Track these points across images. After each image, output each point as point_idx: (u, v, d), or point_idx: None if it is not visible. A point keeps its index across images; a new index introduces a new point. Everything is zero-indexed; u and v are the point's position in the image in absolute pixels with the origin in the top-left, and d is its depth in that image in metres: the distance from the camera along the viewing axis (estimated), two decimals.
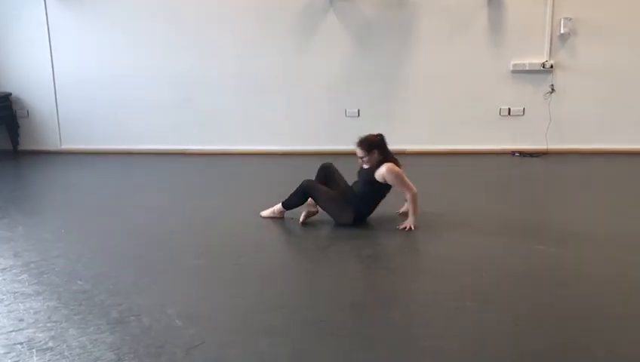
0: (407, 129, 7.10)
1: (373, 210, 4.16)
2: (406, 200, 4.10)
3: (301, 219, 4.16)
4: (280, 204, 4.27)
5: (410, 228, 3.93)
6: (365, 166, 4.12)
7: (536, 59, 6.99)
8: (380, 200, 4.15)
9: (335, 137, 7.16)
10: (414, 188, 3.99)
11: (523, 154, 7.01)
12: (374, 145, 4.07)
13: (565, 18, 6.79)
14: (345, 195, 4.13)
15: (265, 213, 4.34)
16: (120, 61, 7.41)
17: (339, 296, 2.89)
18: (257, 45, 7.23)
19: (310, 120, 7.32)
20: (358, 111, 7.23)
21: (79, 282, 3.09)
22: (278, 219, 4.29)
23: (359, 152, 4.09)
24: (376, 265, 3.38)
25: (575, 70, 7.00)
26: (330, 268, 3.33)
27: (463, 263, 3.38)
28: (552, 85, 7.02)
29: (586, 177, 5.92)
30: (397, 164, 4.07)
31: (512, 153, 7.08)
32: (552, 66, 6.95)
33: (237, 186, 5.70)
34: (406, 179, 4.01)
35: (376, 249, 3.64)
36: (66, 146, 7.65)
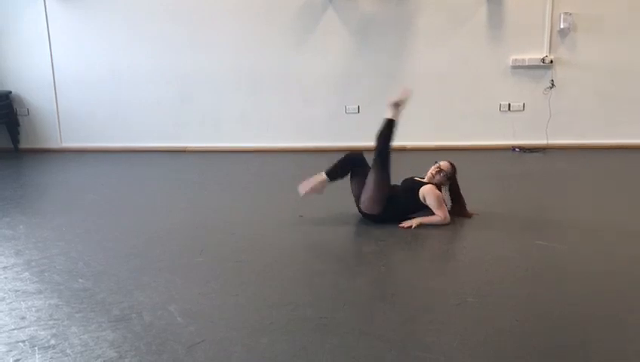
0: (407, 125, 7.02)
1: (396, 218, 4.08)
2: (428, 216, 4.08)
3: (305, 190, 4.14)
4: (323, 172, 4.17)
5: (411, 226, 3.94)
6: (424, 178, 4.22)
7: (535, 55, 6.99)
8: (406, 215, 4.11)
9: (335, 134, 7.17)
10: (448, 217, 4.03)
11: (523, 149, 7.01)
12: (451, 177, 4.22)
13: (565, 13, 6.79)
14: (393, 189, 4.12)
15: (304, 187, 4.17)
16: (120, 59, 7.42)
17: (340, 293, 2.90)
18: (257, 42, 7.24)
19: (310, 116, 7.33)
20: (358, 107, 7.23)
21: (80, 280, 3.10)
22: (316, 193, 4.18)
23: (445, 168, 4.20)
24: (377, 262, 3.39)
25: (575, 65, 7.00)
26: (331, 265, 3.34)
27: (464, 259, 3.39)
28: (552, 80, 7.02)
29: (586, 172, 5.92)
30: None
31: (513, 148, 7.08)
32: (551, 61, 6.95)
33: (237, 184, 5.70)
34: (443, 204, 4.06)
35: (378, 245, 3.64)
36: (66, 144, 7.67)
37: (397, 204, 4.07)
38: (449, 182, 4.22)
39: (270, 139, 7.44)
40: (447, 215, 4.03)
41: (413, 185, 4.16)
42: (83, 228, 4.11)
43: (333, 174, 4.18)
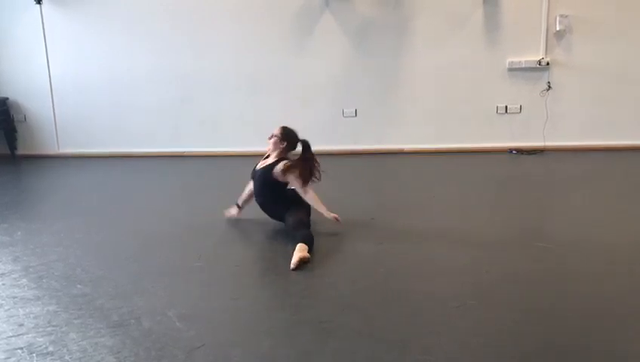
0: (404, 128, 7.11)
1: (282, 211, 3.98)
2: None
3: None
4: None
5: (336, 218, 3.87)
6: (269, 150, 4.19)
7: (532, 57, 6.99)
8: (286, 206, 3.98)
9: (333, 137, 7.16)
10: (309, 191, 3.92)
11: (520, 151, 7.02)
12: (287, 138, 4.10)
13: (561, 15, 6.80)
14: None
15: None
16: (117, 64, 7.41)
17: (340, 296, 2.89)
18: (255, 46, 7.24)
19: (308, 120, 7.29)
20: (356, 111, 7.23)
21: (79, 286, 3.09)
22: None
23: (276, 133, 4.14)
24: (376, 266, 3.38)
25: (571, 67, 7.01)
26: (330, 268, 3.33)
27: (463, 262, 3.38)
28: (549, 82, 7.03)
29: (583, 174, 5.93)
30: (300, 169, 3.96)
31: (510, 151, 7.08)
32: (548, 63, 6.96)
33: (236, 188, 5.68)
34: (297, 177, 3.91)
35: (378, 249, 3.63)
36: (64, 150, 7.65)
37: (270, 205, 4.06)
38: (288, 148, 4.11)
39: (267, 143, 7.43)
40: (306, 187, 3.91)
41: (263, 175, 4.05)
42: (81, 233, 4.09)
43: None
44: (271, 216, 4.12)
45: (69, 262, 3.46)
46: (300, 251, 3.35)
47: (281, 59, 7.24)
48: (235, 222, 4.31)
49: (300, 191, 3.95)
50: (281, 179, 3.98)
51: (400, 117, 7.14)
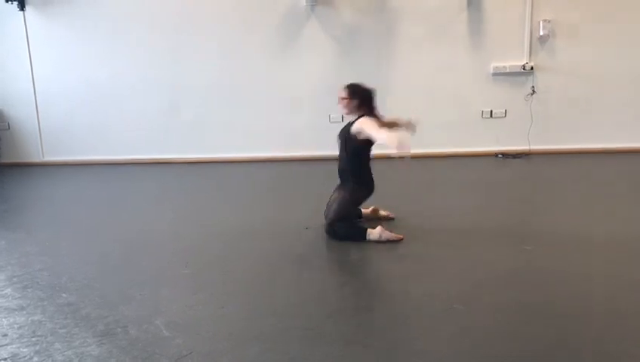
0: (390, 132, 7.12)
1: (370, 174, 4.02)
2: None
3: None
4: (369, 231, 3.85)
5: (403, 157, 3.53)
6: (342, 111, 4.10)
7: (516, 62, 7.07)
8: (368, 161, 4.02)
9: (320, 143, 7.16)
10: (393, 137, 3.52)
11: (506, 155, 7.08)
12: (357, 94, 4.02)
13: (544, 20, 6.90)
14: (342, 185, 4.04)
15: (391, 237, 3.82)
16: (101, 71, 7.38)
17: (327, 302, 2.89)
18: (240, 53, 7.24)
19: (294, 126, 7.33)
20: (342, 116, 7.22)
21: (64, 295, 3.06)
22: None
23: (342, 93, 4.06)
24: (363, 270, 3.38)
25: (555, 71, 7.09)
26: (317, 274, 3.33)
27: (450, 266, 3.39)
28: (533, 87, 7.11)
29: (568, 177, 5.99)
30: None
31: (496, 155, 7.14)
32: (532, 68, 7.04)
33: (223, 194, 5.68)
34: (378, 128, 3.70)
35: (364, 253, 3.64)
36: (48, 158, 7.59)
37: (355, 168, 3.99)
38: (361, 102, 4.03)
39: (254, 149, 7.43)
40: (390, 134, 3.62)
41: (344, 135, 4.03)
42: (66, 242, 4.06)
43: (361, 234, 3.86)
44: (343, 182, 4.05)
45: (54, 271, 3.43)
46: (379, 237, 3.73)
47: (267, 65, 7.25)
48: (221, 229, 4.29)
49: (375, 136, 3.68)
50: (359, 136, 3.85)
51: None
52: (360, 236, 3.82)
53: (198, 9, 7.19)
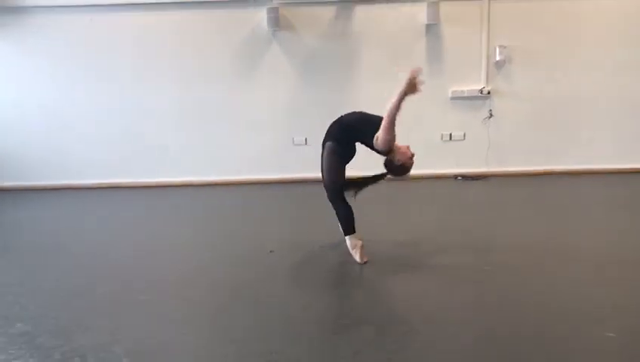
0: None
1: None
2: None
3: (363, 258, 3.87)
4: (349, 237, 3.92)
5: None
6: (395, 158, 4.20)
7: (474, 86, 7.26)
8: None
9: (284, 166, 7.18)
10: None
11: (465, 177, 7.21)
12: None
13: (500, 46, 7.12)
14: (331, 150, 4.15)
15: (357, 256, 3.87)
16: (59, 95, 7.27)
17: (290, 326, 2.86)
18: (201, 76, 7.24)
19: (258, 149, 7.33)
20: (306, 139, 7.28)
21: (18, 324, 2.95)
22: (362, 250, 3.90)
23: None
24: (326, 292, 3.37)
25: (511, 95, 7.31)
26: (280, 297, 3.30)
27: (410, 288, 3.42)
28: (490, 110, 7.30)
29: (525, 198, 6.14)
30: None
31: (455, 177, 7.27)
32: (489, 92, 7.24)
33: (182, 219, 5.61)
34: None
35: (328, 275, 3.63)
36: (2, 183, 7.37)
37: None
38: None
39: (217, 172, 7.39)
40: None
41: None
42: (20, 269, 3.93)
43: (348, 227, 3.94)
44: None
45: (7, 301, 3.31)
46: (353, 246, 3.83)
47: (229, 89, 7.26)
48: (181, 254, 4.23)
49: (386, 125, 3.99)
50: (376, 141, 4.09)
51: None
52: (349, 230, 3.90)
53: (159, 33, 7.17)
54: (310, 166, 7.53)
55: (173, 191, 7.09)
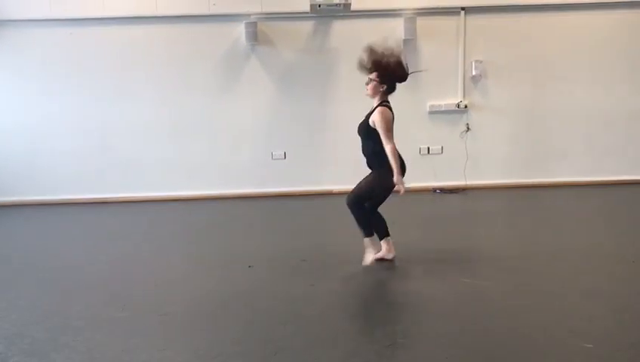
0: (332, 169, 7.21)
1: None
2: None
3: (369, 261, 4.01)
4: (364, 238, 4.05)
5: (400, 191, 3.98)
6: (367, 92, 4.09)
7: (451, 100, 7.35)
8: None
9: (262, 180, 7.16)
10: (392, 143, 3.93)
11: (444, 190, 7.27)
12: (387, 80, 4.05)
13: (476, 61, 7.23)
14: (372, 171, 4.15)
15: (369, 259, 4.01)
16: (33, 111, 7.19)
17: (270, 341, 2.84)
18: (179, 91, 7.22)
19: (236, 163, 7.30)
20: (285, 153, 7.28)
21: None
22: (378, 255, 4.04)
23: (371, 76, 4.07)
24: (306, 307, 3.35)
25: (487, 109, 7.41)
26: (259, 313, 3.27)
27: (391, 301, 3.42)
28: (468, 124, 7.39)
29: (502, 210, 6.21)
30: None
31: (434, 190, 7.33)
32: (466, 106, 7.33)
33: (160, 234, 5.55)
34: (389, 130, 3.94)
35: (308, 289, 3.62)
36: None
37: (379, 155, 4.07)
38: (389, 90, 4.10)
39: (195, 187, 7.33)
40: (393, 143, 3.94)
41: (364, 125, 4.13)
42: None
43: (368, 229, 4.09)
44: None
45: None
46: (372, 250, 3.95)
47: (206, 103, 7.25)
48: (159, 270, 4.18)
49: (383, 138, 3.91)
50: (372, 125, 3.97)
51: (328, 159, 7.25)
52: (366, 231, 4.02)
53: (137, 47, 7.14)
54: (288, 181, 7.56)
55: (150, 206, 7.01)
